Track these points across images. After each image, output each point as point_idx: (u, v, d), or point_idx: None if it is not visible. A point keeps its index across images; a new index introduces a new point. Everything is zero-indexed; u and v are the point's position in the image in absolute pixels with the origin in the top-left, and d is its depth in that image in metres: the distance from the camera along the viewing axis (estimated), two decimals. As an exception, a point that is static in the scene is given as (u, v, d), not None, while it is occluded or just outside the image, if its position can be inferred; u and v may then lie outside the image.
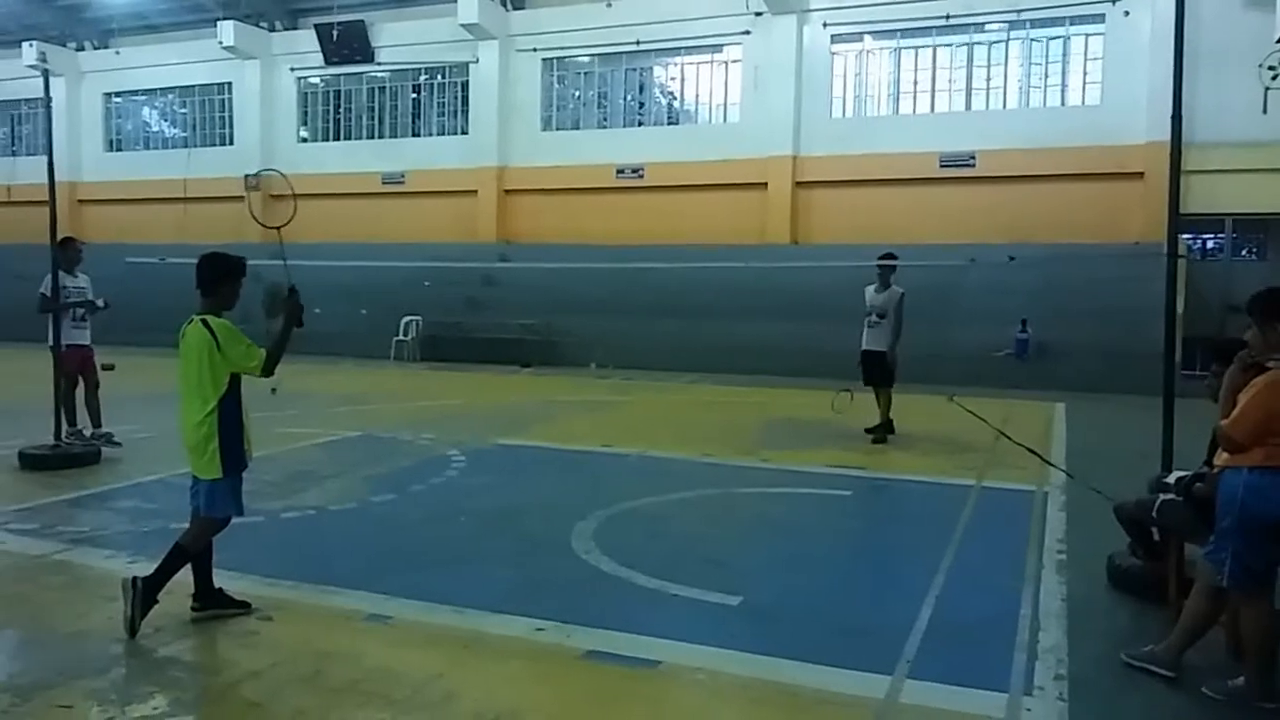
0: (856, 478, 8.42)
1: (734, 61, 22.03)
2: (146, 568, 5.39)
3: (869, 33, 20.96)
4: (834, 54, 21.15)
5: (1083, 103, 19.57)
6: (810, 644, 4.44)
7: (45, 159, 8.99)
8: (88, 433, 9.21)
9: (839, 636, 4.60)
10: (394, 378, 17.55)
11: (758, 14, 21.05)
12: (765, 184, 21.39)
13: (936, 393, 12.03)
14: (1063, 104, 19.82)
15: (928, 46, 20.71)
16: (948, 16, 19.86)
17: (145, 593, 4.40)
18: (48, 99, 9.75)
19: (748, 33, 21.42)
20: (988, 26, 20.11)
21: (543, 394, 14.93)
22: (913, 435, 10.58)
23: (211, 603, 4.69)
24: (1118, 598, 5.15)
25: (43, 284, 8.89)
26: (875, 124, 21.06)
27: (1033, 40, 19.91)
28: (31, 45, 26.26)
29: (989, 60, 20.32)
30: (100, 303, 9.51)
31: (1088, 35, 19.45)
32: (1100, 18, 19.05)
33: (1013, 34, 19.98)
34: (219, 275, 4.68)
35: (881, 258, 10.57)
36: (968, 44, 20.37)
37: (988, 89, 20.39)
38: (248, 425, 4.70)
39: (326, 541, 6.33)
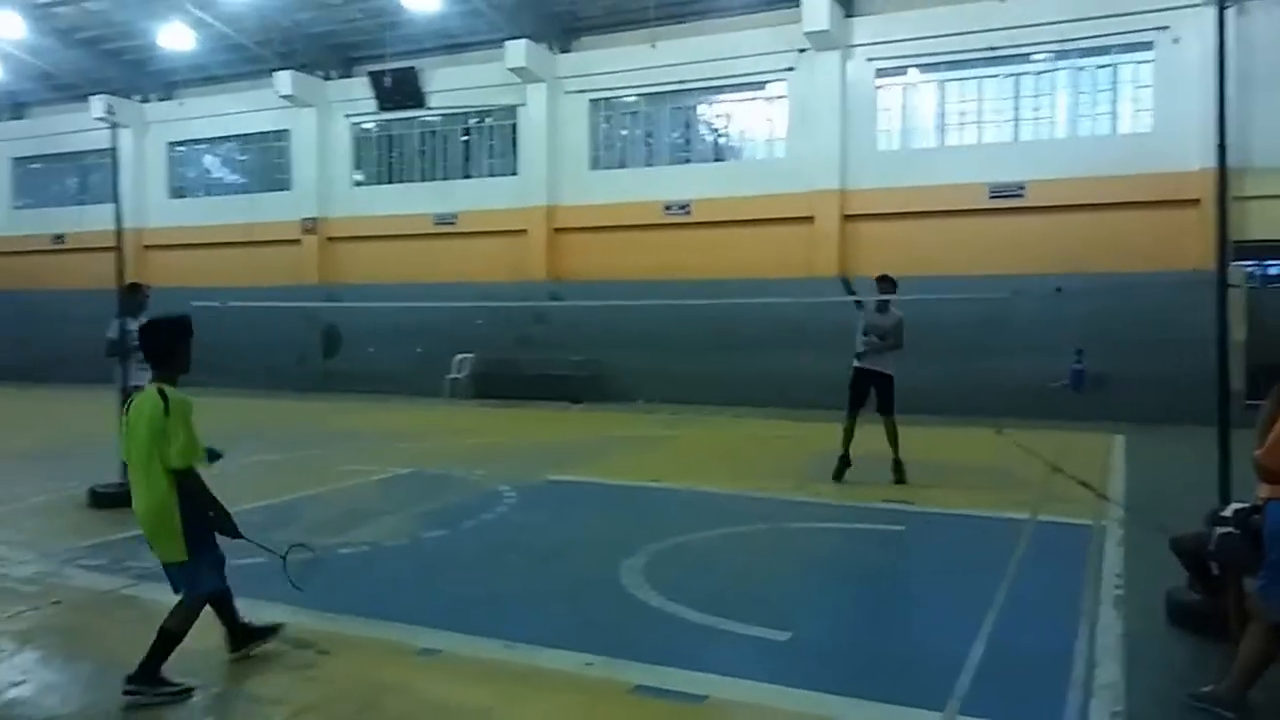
0: (908, 512, 8.35)
1: (778, 98, 22.17)
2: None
3: (914, 66, 20.99)
4: (878, 88, 21.19)
5: (1133, 130, 19.36)
6: (860, 679, 4.43)
7: (113, 207, 9.35)
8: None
9: (889, 672, 4.58)
10: (447, 415, 17.79)
11: (801, 51, 21.20)
12: (812, 218, 21.41)
13: (985, 425, 11.90)
14: (1113, 132, 19.62)
15: (973, 78, 20.66)
16: (993, 48, 19.81)
17: (147, 682, 4.17)
18: (114, 150, 10.17)
19: (791, 69, 21.57)
20: (1034, 57, 20.02)
21: (593, 430, 15.03)
22: (965, 469, 10.47)
23: (245, 641, 4.69)
24: (1176, 634, 5.05)
25: (110, 328, 9.21)
26: (922, 156, 21.01)
27: (1080, 69, 19.77)
28: (100, 99, 27.29)
29: (1036, 90, 20.20)
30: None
31: (1137, 63, 19.28)
32: (1149, 45, 18.88)
33: (1060, 64, 19.87)
34: (169, 341, 4.45)
35: (881, 278, 10.22)
36: (1014, 74, 20.28)
37: (1036, 119, 20.26)
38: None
39: (380, 577, 6.44)
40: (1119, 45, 19.20)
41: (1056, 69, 19.96)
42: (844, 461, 9.84)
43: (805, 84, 21.45)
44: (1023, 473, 10.05)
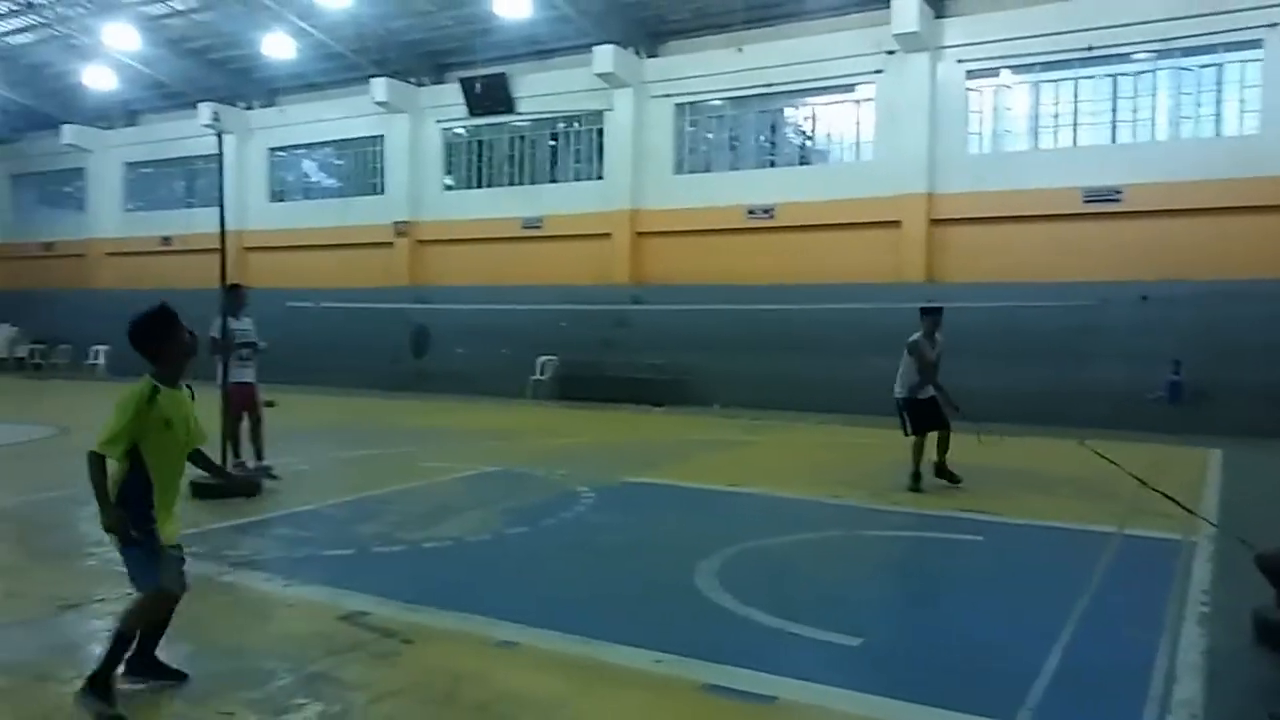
0: (989, 523, 8.23)
1: (866, 100, 21.97)
2: (300, 591, 5.86)
3: (1006, 67, 20.57)
4: (969, 90, 20.84)
5: (1240, 132, 18.65)
6: (930, 687, 4.42)
7: (216, 210, 9.81)
8: (251, 464, 9.91)
9: (960, 680, 4.56)
10: (530, 415, 18.10)
11: (890, 53, 20.97)
12: (899, 222, 21.15)
13: (1074, 436, 11.63)
14: (1218, 134, 18.94)
15: (1069, 79, 20.15)
16: (1090, 48, 19.30)
17: (99, 692, 3.99)
18: (221, 156, 10.66)
19: (880, 71, 21.35)
20: (1134, 57, 19.44)
21: (673, 433, 15.12)
22: (1050, 480, 10.26)
23: (149, 674, 4.34)
24: (1262, 652, 4.90)
25: (212, 327, 9.66)
26: (1014, 159, 20.58)
27: (1183, 69, 19.12)
28: (206, 106, 28.54)
29: (1135, 91, 19.61)
30: (262, 345, 10.27)
31: (1244, 61, 18.56)
32: (1257, 43, 18.17)
33: (1161, 64, 19.26)
34: (158, 337, 4.20)
35: (928, 304, 10.41)
36: (1112, 75, 19.72)
37: (1135, 120, 19.66)
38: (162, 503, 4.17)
39: (463, 570, 6.64)
40: (1225, 44, 18.53)
41: (1157, 69, 19.35)
42: (917, 477, 9.77)
43: (893, 86, 21.22)
44: (1110, 485, 9.78)
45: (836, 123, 22.79)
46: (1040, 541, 7.84)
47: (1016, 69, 20.55)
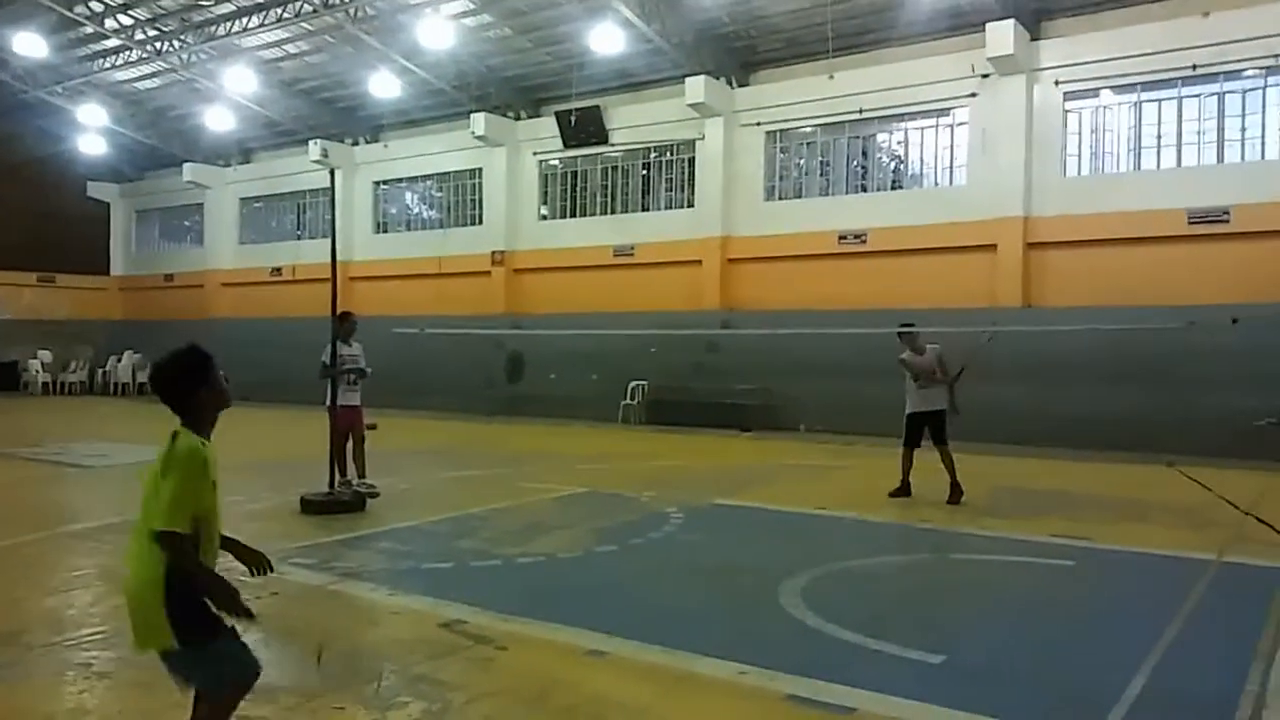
0: (1081, 548, 8.13)
1: (960, 124, 21.77)
2: (403, 601, 6.20)
3: (1106, 87, 20.16)
4: (1067, 111, 20.47)
5: (1359, 148, 17.88)
6: (1010, 705, 4.47)
7: (325, 242, 10.38)
8: (355, 483, 10.40)
9: (1041, 699, 4.59)
10: (620, 439, 18.39)
11: (984, 76, 20.76)
12: (994, 246, 20.85)
13: (1179, 462, 11.35)
14: (1335, 150, 18.18)
15: (1172, 99, 19.64)
16: (1194, 66, 18.79)
17: None
18: (333, 190, 11.27)
19: (974, 95, 21.14)
20: (1243, 74, 18.84)
21: (762, 457, 15.21)
22: (1148, 506, 10.03)
23: None
24: (1361, 681, 4.80)
25: (324, 352, 10.21)
26: (1114, 181, 20.07)
27: (1294, 86, 18.44)
28: (316, 143, 29.90)
29: (1244, 109, 18.98)
30: (368, 370, 10.79)
31: (1361, 76, 17.82)
32: (1375, 56, 17.44)
33: (1271, 80, 18.61)
34: (191, 384, 3.41)
35: (903, 325, 11.39)
36: (1218, 94, 19.14)
37: (1243, 139, 19.02)
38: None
39: (554, 584, 6.90)
40: (1339, 58, 17.81)
41: (1266, 86, 18.71)
42: (905, 487, 10.86)
43: (988, 110, 20.98)
44: (1210, 512, 9.55)
45: (930, 147, 22.63)
46: (1133, 567, 7.72)
47: (1117, 89, 20.11)
